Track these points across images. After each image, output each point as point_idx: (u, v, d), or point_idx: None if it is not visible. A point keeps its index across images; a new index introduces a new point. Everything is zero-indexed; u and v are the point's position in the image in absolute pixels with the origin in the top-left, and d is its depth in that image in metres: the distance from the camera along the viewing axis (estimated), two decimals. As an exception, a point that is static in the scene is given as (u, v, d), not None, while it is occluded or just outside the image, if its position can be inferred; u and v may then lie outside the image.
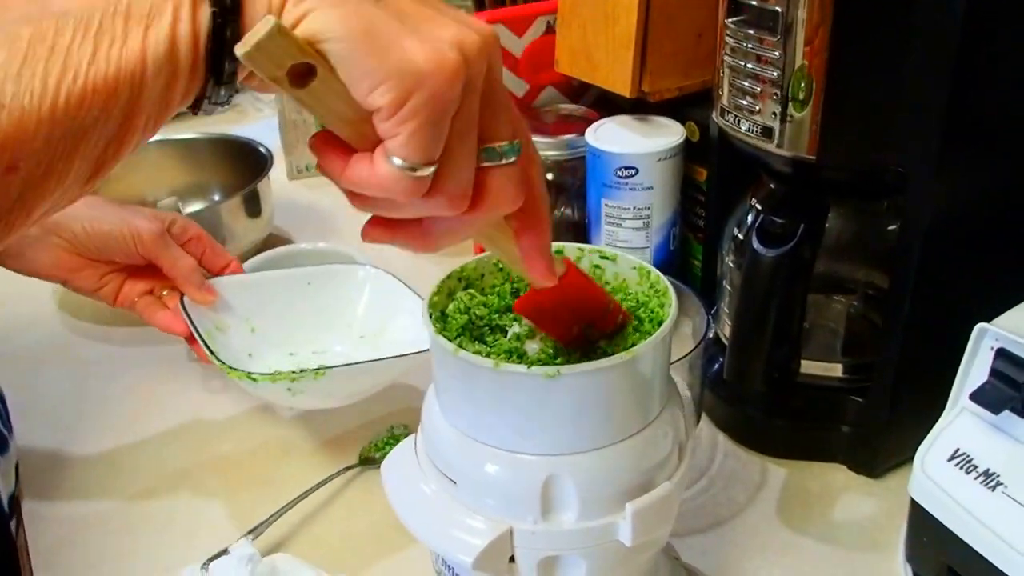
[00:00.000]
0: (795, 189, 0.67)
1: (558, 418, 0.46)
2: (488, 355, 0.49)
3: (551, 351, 0.49)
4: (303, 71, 0.34)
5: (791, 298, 0.65)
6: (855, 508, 0.70)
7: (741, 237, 0.71)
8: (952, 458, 0.56)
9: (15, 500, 0.73)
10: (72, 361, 0.91)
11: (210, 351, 0.71)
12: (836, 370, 0.71)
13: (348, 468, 0.73)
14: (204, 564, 0.58)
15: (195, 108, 0.38)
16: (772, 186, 0.69)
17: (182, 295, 0.77)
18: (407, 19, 0.35)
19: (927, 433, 0.58)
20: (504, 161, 0.38)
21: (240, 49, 0.33)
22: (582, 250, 0.56)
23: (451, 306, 0.52)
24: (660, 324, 0.49)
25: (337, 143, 0.37)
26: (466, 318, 0.51)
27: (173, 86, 0.36)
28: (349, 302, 0.81)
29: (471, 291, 0.54)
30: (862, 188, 0.66)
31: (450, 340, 0.48)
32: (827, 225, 0.66)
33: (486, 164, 0.38)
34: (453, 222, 0.39)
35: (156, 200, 1.06)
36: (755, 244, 0.63)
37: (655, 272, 0.53)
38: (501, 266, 0.53)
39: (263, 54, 0.33)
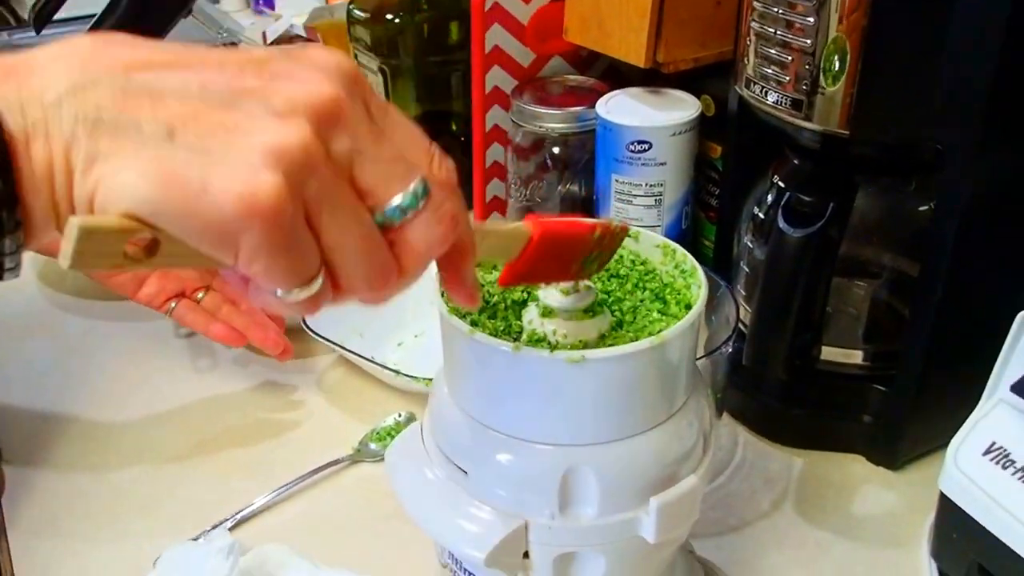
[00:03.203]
0: (823, 166, 0.63)
1: (580, 406, 0.43)
2: (503, 333, 0.45)
3: (568, 333, 0.45)
4: (148, 243, 0.29)
5: (817, 281, 0.61)
6: (875, 502, 0.67)
7: (762, 216, 0.68)
8: (987, 452, 0.54)
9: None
10: (53, 335, 0.87)
11: (392, 370, 0.73)
12: (856, 356, 0.68)
13: (344, 457, 0.69)
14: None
15: None
16: (796, 162, 0.66)
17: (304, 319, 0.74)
18: (206, 141, 0.29)
19: (950, 425, 0.55)
20: (410, 215, 0.32)
21: (64, 264, 0.28)
22: (601, 226, 0.52)
23: (463, 283, 0.49)
24: (687, 307, 0.46)
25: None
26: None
27: None
28: (428, 279, 0.79)
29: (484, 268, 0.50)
30: (894, 165, 0.63)
31: (463, 319, 0.45)
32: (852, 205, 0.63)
33: (397, 223, 0.32)
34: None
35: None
36: (781, 224, 0.60)
37: (681, 251, 0.50)
38: None
39: (89, 257, 0.28)
